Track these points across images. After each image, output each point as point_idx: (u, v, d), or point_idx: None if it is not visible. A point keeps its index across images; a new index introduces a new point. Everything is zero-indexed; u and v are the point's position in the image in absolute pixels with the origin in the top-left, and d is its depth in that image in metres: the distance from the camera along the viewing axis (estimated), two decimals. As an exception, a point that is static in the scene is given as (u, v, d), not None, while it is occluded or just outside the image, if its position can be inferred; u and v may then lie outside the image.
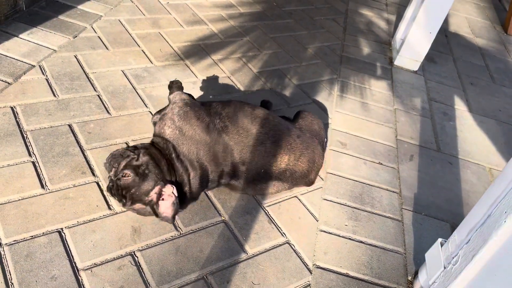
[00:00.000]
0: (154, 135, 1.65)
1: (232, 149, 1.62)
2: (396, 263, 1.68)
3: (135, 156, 1.51)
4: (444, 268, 1.42)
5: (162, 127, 1.62)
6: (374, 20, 3.69)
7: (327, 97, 2.55)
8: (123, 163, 1.48)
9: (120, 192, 1.46)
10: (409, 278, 1.64)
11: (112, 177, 1.48)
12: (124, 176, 1.44)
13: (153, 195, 1.46)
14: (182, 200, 1.56)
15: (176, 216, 1.59)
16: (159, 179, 1.48)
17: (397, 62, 3.07)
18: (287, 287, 1.49)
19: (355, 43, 3.25)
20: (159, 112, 1.73)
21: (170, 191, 1.47)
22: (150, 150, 1.55)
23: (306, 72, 2.74)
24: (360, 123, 2.41)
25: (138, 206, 1.49)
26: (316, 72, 2.77)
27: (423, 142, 2.40)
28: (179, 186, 1.53)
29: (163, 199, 1.47)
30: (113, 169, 1.48)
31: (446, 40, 3.67)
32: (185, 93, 1.75)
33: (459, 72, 3.23)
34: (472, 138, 2.54)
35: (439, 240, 1.53)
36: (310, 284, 1.53)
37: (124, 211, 1.58)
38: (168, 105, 1.71)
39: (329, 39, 3.21)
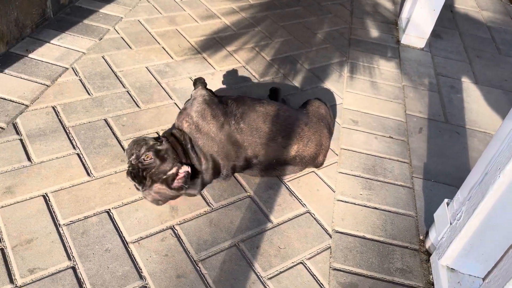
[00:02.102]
0: (174, 127, 1.84)
1: (246, 148, 1.80)
2: (408, 225, 1.85)
3: (156, 142, 1.70)
4: (450, 224, 1.58)
5: (181, 121, 1.81)
6: (380, 1, 3.80)
7: (338, 79, 2.70)
8: (144, 148, 1.67)
9: (141, 173, 1.64)
10: (421, 237, 1.81)
11: (133, 162, 1.66)
12: (146, 159, 1.64)
13: (170, 174, 1.64)
14: (193, 180, 1.73)
15: (207, 193, 1.79)
16: (177, 161, 1.67)
17: (404, 40, 3.19)
18: (310, 250, 1.68)
19: (362, 26, 3.38)
20: (186, 103, 1.91)
21: (185, 170, 1.65)
22: (169, 139, 1.74)
23: (317, 56, 2.89)
24: (370, 101, 2.56)
25: (156, 186, 1.65)
26: (326, 56, 2.92)
27: (431, 115, 2.54)
28: (193, 169, 1.72)
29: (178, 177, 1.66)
30: (134, 154, 1.67)
31: (451, 16, 3.76)
32: (206, 89, 1.91)
33: (465, 46, 3.33)
34: (478, 108, 2.66)
35: (445, 200, 1.70)
36: (330, 247, 1.71)
37: (161, 192, 1.78)
38: (189, 99, 1.89)
39: (337, 23, 3.34)
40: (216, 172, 1.79)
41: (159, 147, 1.68)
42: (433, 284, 1.62)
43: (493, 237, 1.43)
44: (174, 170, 1.64)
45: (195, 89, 1.95)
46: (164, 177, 1.64)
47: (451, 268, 1.59)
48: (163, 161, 1.65)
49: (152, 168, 1.63)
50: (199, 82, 2.01)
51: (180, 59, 2.59)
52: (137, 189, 1.68)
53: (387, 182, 2.04)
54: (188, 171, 1.64)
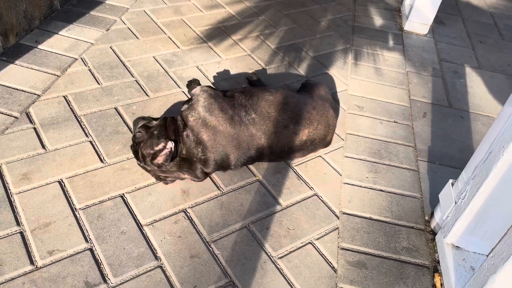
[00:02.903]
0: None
1: (260, 137, 1.82)
2: (414, 206, 1.89)
3: (151, 121, 1.80)
4: (455, 203, 1.63)
5: (187, 115, 1.82)
6: (383, -12, 3.81)
7: (342, 66, 2.73)
8: (139, 124, 1.79)
9: (136, 148, 1.74)
10: (426, 218, 1.85)
11: (132, 138, 1.78)
12: (137, 134, 1.74)
13: (156, 150, 1.68)
14: (192, 166, 1.76)
15: (217, 178, 1.84)
16: (163, 137, 1.72)
17: (407, 27, 3.21)
18: (318, 230, 1.73)
19: (365, 13, 3.40)
20: (186, 102, 1.92)
21: (169, 146, 1.68)
22: (166, 119, 1.81)
23: (321, 44, 2.92)
24: (374, 87, 2.59)
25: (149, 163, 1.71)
26: (330, 43, 2.94)
27: (435, 100, 2.57)
28: (189, 154, 1.74)
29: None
30: (133, 131, 1.80)
31: (454, 2, 3.77)
32: (206, 85, 1.95)
33: (468, 32, 3.35)
34: (482, 92, 2.69)
35: (450, 180, 1.74)
36: (338, 228, 1.76)
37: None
38: (191, 98, 1.90)
39: (340, 11, 3.36)
40: (225, 164, 1.81)
41: (150, 124, 1.77)
42: (438, 262, 1.67)
43: (497, 215, 1.47)
44: (160, 146, 1.68)
45: (191, 89, 1.98)
46: (151, 152, 1.70)
47: (456, 246, 1.63)
48: (151, 137, 1.72)
49: (141, 143, 1.72)
50: (194, 83, 2.05)
51: (186, 48, 2.62)
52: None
53: (392, 165, 2.08)
54: (171, 148, 1.67)
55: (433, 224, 1.80)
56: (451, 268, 1.56)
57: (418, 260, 1.68)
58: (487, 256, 1.34)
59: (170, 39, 2.68)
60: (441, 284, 1.59)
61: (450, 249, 1.62)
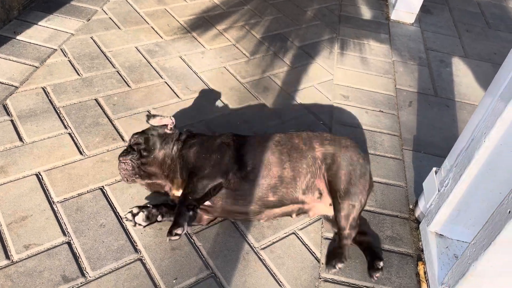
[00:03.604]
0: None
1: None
2: (399, 195, 1.88)
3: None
4: (438, 191, 1.61)
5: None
6: (370, -23, 3.78)
7: (328, 55, 2.71)
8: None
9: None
10: (410, 206, 1.84)
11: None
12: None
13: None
14: None
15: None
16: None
17: (394, 16, 3.19)
18: (302, 221, 1.71)
19: (352, 2, 3.37)
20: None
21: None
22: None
23: (307, 33, 2.89)
24: (360, 76, 2.57)
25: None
26: (317, 32, 2.91)
27: (421, 89, 2.56)
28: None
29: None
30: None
31: (442, -9, 3.75)
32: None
33: (455, 21, 3.34)
34: (468, 81, 2.68)
35: (434, 169, 1.73)
36: (321, 218, 1.73)
37: (154, 168, 1.79)
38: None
39: (326, 0, 3.32)
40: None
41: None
42: (422, 251, 1.66)
43: (479, 202, 1.46)
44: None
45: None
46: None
47: (440, 234, 1.62)
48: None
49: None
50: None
51: (169, 38, 2.58)
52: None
53: (377, 155, 2.06)
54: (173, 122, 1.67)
55: (417, 213, 1.79)
56: (435, 256, 1.55)
57: (402, 248, 1.67)
58: (470, 243, 1.33)
59: (153, 29, 2.63)
60: (425, 272, 1.58)
61: (434, 237, 1.61)
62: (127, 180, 1.62)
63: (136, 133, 1.67)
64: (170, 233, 1.44)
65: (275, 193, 1.57)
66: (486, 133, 1.34)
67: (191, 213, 1.49)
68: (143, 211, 1.56)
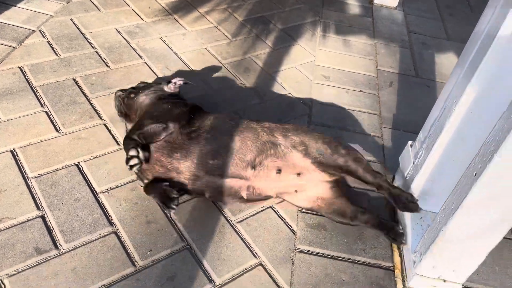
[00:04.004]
0: None
1: None
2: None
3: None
4: (413, 163, 1.62)
5: None
6: (355, -37, 3.77)
7: (311, 38, 2.71)
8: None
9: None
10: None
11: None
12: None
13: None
14: None
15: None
16: None
17: (377, 0, 3.19)
18: (279, 195, 1.71)
19: (336, -13, 3.36)
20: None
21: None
22: None
23: (290, 16, 2.88)
24: (342, 57, 2.57)
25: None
26: (300, 15, 2.91)
27: (402, 70, 2.57)
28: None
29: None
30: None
31: (426, -24, 3.75)
32: None
33: (438, 5, 3.35)
34: (449, 63, 2.70)
35: (409, 142, 1.74)
36: (299, 192, 1.74)
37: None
38: None
39: (310, -16, 3.32)
40: None
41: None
42: (398, 222, 1.67)
43: (452, 172, 1.47)
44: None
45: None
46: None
47: (415, 206, 1.63)
48: None
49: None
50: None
51: (150, 20, 2.56)
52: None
53: (357, 132, 2.07)
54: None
55: (394, 187, 1.80)
56: (409, 227, 1.57)
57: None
58: (440, 209, 1.34)
59: (134, 11, 2.61)
60: (399, 243, 1.59)
61: (409, 209, 1.62)
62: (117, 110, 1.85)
63: (144, 81, 1.89)
64: (127, 161, 1.49)
65: (215, 158, 1.54)
66: (456, 101, 1.35)
67: (135, 137, 1.55)
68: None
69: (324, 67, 2.47)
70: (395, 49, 2.75)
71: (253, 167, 1.56)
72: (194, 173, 1.54)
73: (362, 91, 2.34)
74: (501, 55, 1.21)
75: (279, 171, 1.58)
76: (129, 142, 1.54)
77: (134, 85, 1.91)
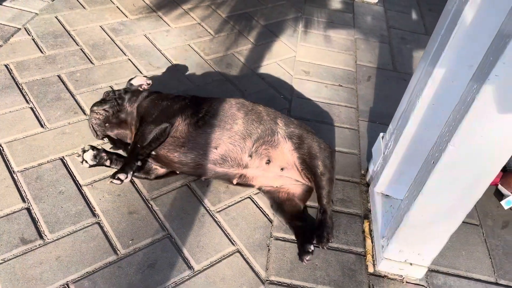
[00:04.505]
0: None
1: None
2: (352, 162, 1.97)
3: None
4: (383, 154, 1.70)
5: None
6: (338, -41, 3.84)
7: (292, 34, 2.77)
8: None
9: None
10: (362, 172, 1.93)
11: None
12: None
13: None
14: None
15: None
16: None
17: (358, -4, 3.26)
18: (257, 186, 1.78)
19: (319, -17, 3.42)
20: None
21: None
22: None
23: (272, 13, 2.95)
24: (322, 53, 2.64)
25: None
26: (282, 12, 2.98)
27: (380, 65, 2.64)
28: None
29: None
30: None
31: (407, -28, 3.83)
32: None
33: (418, 1, 3.43)
34: (426, 57, 2.78)
35: (381, 134, 1.82)
36: (277, 183, 1.81)
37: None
38: None
39: (293, -19, 3.38)
40: None
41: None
42: (370, 211, 1.76)
43: (417, 162, 1.54)
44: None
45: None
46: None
47: (386, 195, 1.72)
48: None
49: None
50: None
51: (134, 17, 2.61)
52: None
53: (334, 126, 2.15)
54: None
55: (368, 177, 1.88)
56: (379, 214, 1.65)
57: (351, 209, 1.76)
58: (404, 196, 1.42)
59: (118, 8, 2.66)
60: (370, 230, 1.68)
61: (380, 198, 1.71)
62: (96, 132, 1.73)
63: (109, 91, 1.81)
64: (113, 176, 1.54)
65: (219, 145, 1.62)
66: (419, 95, 1.43)
67: (139, 163, 1.59)
68: (93, 150, 1.65)
69: (304, 62, 2.54)
70: (374, 44, 2.82)
71: (250, 155, 1.64)
72: (198, 163, 1.63)
73: (341, 86, 2.41)
74: (459, 49, 1.29)
75: (268, 161, 1.66)
76: (132, 161, 1.58)
77: (117, 81, 1.97)
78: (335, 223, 1.69)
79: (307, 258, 1.51)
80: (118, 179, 1.54)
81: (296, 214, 1.65)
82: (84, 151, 1.65)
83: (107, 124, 1.73)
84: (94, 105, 1.75)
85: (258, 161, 1.65)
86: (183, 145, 1.62)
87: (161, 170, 1.71)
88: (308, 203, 1.74)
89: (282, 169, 1.68)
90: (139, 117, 1.72)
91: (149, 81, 1.87)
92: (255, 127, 1.66)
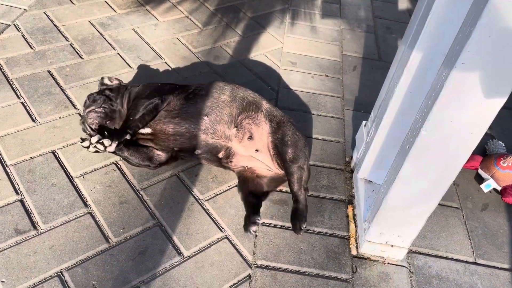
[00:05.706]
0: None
1: None
2: (336, 150, 2.03)
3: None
4: (365, 141, 1.76)
5: None
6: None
7: (279, 25, 2.81)
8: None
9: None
10: (347, 159, 1.99)
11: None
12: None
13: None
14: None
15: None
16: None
17: (345, -14, 3.30)
18: (244, 174, 1.84)
19: (306, -26, 3.46)
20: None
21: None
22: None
23: (260, 5, 2.98)
24: (309, 44, 2.69)
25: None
26: (269, 4, 3.01)
27: (366, 54, 2.69)
28: None
29: None
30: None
31: (394, -38, 3.86)
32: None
33: (404, -10, 3.47)
34: (411, 46, 2.83)
35: (364, 122, 1.87)
36: (264, 171, 1.87)
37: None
38: None
39: (281, -27, 3.41)
40: None
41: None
42: (354, 197, 1.82)
43: (397, 147, 1.60)
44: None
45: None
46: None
47: (368, 180, 1.78)
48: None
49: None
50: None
51: (123, 12, 2.64)
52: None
53: (319, 115, 2.20)
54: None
55: (352, 164, 1.94)
56: (362, 199, 1.71)
57: (336, 195, 1.82)
58: (383, 181, 1.48)
59: (107, 3, 2.69)
60: (354, 214, 1.74)
61: (363, 183, 1.77)
62: (92, 131, 1.76)
63: (91, 93, 1.82)
64: (97, 140, 1.61)
65: (209, 113, 1.70)
66: (396, 83, 1.48)
67: (128, 136, 1.65)
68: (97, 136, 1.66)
69: (291, 53, 2.59)
70: (360, 34, 2.87)
71: (236, 126, 1.72)
72: (192, 132, 1.70)
73: (327, 76, 2.46)
74: (432, 37, 1.34)
75: (250, 137, 1.73)
76: (122, 132, 1.65)
77: (106, 75, 2.00)
78: (320, 209, 1.75)
79: (253, 229, 1.59)
80: (102, 144, 1.60)
81: (254, 192, 1.72)
82: (84, 139, 1.66)
83: (108, 122, 1.75)
84: (88, 106, 1.74)
85: (241, 134, 1.73)
86: (177, 115, 1.70)
87: (163, 155, 1.76)
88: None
89: (256, 150, 1.74)
90: (133, 100, 1.79)
91: (120, 80, 1.95)
92: (241, 99, 1.76)
